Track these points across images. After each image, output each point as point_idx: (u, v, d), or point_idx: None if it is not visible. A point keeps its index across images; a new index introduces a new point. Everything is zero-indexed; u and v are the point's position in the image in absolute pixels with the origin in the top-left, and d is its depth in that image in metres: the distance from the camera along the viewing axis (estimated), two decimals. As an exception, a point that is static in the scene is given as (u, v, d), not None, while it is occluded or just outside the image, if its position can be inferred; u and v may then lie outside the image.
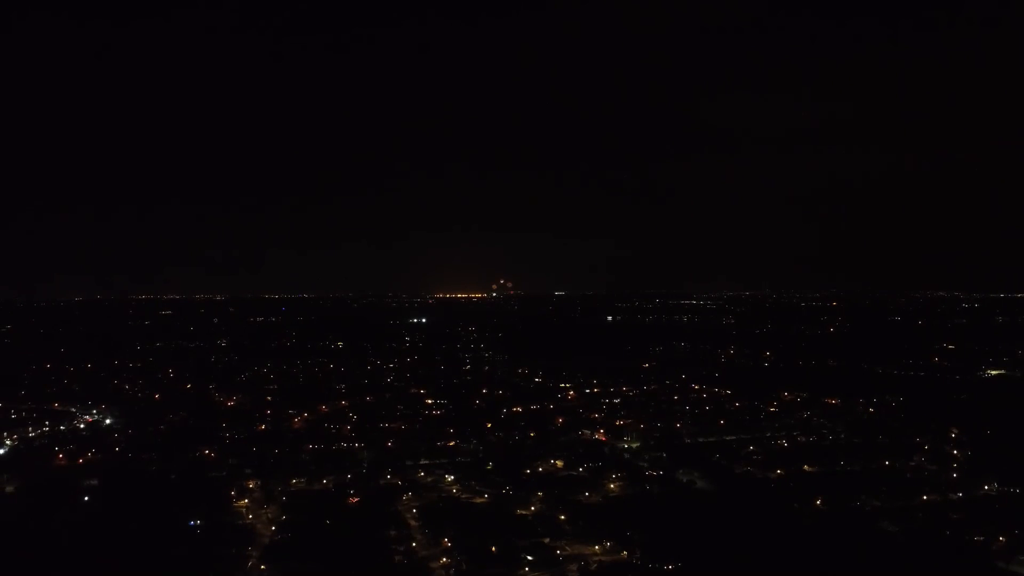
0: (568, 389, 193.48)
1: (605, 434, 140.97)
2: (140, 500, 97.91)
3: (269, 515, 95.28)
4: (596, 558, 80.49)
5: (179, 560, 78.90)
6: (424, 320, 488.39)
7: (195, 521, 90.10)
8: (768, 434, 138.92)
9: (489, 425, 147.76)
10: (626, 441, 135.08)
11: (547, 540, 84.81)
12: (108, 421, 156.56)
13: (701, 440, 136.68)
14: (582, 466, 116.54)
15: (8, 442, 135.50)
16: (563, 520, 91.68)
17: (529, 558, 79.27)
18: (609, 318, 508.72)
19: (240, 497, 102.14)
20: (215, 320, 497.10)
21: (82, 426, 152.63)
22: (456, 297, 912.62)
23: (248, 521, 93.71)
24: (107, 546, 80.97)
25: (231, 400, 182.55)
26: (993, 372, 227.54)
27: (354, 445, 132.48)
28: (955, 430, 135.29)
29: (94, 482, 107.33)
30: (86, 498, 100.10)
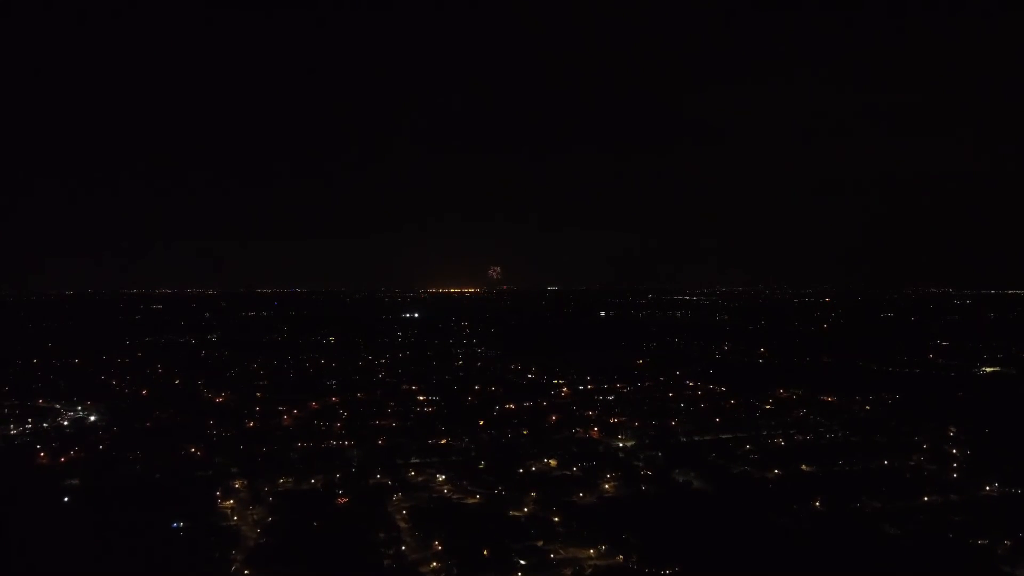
0: (561, 386, 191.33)
1: (599, 432, 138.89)
2: (122, 500, 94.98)
3: (255, 516, 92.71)
4: (591, 562, 78.32)
5: (160, 563, 76.46)
6: (417, 315, 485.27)
7: (178, 523, 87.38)
8: (764, 432, 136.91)
9: (481, 423, 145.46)
10: (621, 439, 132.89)
11: (540, 543, 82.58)
12: (93, 418, 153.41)
13: (697, 439, 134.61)
14: (576, 465, 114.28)
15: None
16: (557, 522, 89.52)
17: (522, 562, 77.08)
18: (602, 313, 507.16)
19: (226, 498, 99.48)
20: (206, 315, 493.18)
21: (66, 423, 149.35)
22: (449, 292, 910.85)
23: (233, 523, 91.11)
24: (86, 549, 78.11)
25: (220, 396, 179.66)
26: (988, 369, 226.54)
27: (344, 443, 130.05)
28: (953, 428, 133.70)
29: (75, 482, 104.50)
30: (66, 499, 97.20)
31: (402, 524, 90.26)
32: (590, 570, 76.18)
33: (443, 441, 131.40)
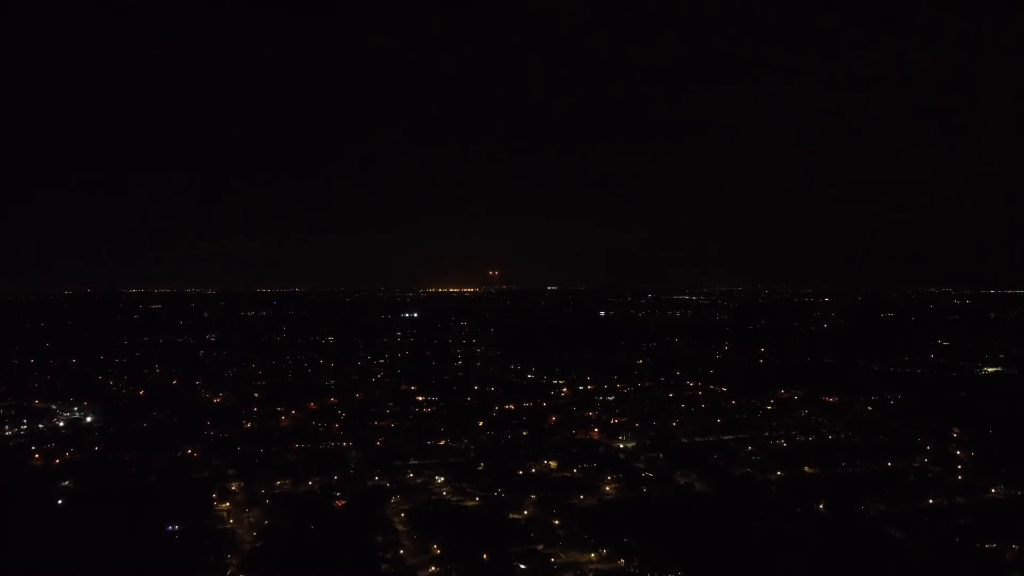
0: (561, 386, 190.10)
1: (600, 433, 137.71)
2: (117, 503, 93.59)
3: (251, 519, 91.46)
4: (592, 566, 77.07)
5: (155, 567, 75.21)
6: (416, 315, 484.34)
7: (173, 526, 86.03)
8: (766, 434, 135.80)
9: (481, 423, 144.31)
10: (621, 440, 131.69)
11: (540, 546, 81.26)
12: (89, 419, 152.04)
13: (698, 440, 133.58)
14: (576, 467, 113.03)
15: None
16: (557, 525, 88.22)
17: (522, 566, 75.84)
18: (602, 313, 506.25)
19: (222, 500, 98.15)
20: (205, 314, 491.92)
21: (61, 424, 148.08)
22: (448, 291, 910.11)
23: (229, 526, 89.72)
24: (78, 553, 76.79)
25: (218, 396, 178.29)
26: (990, 369, 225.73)
27: (342, 444, 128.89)
28: (956, 430, 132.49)
29: (70, 483, 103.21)
30: (60, 500, 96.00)
31: (400, 527, 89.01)
32: (591, 574, 74.95)
33: (442, 442, 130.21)
